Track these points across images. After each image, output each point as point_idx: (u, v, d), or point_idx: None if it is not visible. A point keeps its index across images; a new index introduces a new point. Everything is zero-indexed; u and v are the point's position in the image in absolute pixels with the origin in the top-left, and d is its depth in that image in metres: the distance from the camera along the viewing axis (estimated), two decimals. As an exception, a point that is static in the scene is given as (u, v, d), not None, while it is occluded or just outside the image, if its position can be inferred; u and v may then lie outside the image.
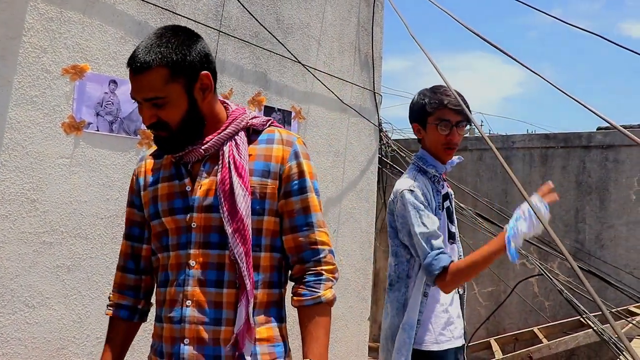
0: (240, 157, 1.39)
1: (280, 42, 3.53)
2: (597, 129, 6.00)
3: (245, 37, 3.36)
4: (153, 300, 1.55)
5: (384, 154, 5.81)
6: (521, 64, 2.21)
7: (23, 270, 2.43)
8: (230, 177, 1.37)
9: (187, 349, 1.36)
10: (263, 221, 1.42)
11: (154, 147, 1.49)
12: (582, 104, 1.94)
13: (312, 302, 1.42)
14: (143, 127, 2.81)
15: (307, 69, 3.71)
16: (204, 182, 1.40)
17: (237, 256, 1.36)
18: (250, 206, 1.38)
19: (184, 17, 2.99)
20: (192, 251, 1.38)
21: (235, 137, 1.42)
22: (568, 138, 5.85)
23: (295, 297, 1.44)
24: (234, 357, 1.36)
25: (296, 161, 1.44)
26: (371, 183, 4.35)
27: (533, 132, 6.44)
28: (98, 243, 2.66)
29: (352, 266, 4.15)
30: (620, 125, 6.26)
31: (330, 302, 1.44)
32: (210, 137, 1.40)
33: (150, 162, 1.51)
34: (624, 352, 3.68)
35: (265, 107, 3.50)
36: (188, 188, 1.40)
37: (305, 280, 1.43)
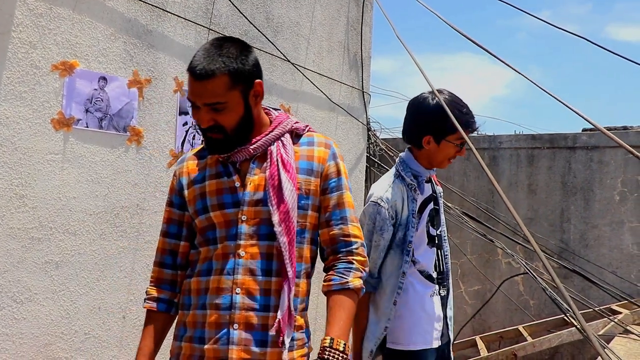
0: (288, 156, 1.54)
1: (270, 41, 3.55)
2: (583, 130, 6.08)
3: (235, 35, 3.38)
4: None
5: (372, 153, 5.84)
6: (506, 64, 2.25)
7: (11, 266, 2.43)
8: (279, 172, 1.51)
9: (236, 334, 1.47)
10: (307, 216, 1.57)
11: (192, 150, 1.65)
12: (566, 105, 1.98)
13: (340, 287, 1.54)
14: (132, 123, 2.82)
15: (296, 68, 3.74)
16: (254, 179, 1.53)
17: (281, 245, 1.49)
18: (296, 200, 1.52)
19: (174, 14, 3.00)
20: (242, 242, 1.51)
21: (282, 138, 1.56)
22: (554, 139, 5.93)
23: (325, 283, 1.56)
24: (278, 342, 1.48)
25: (334, 161, 1.61)
26: (359, 182, 4.38)
27: (520, 133, 6.50)
28: (87, 239, 2.67)
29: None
30: (605, 127, 6.36)
31: (358, 290, 1.56)
32: (258, 138, 1.54)
33: (192, 162, 1.63)
34: (605, 350, 3.74)
35: (255, 105, 3.51)
36: (237, 184, 1.53)
37: (337, 267, 1.57)
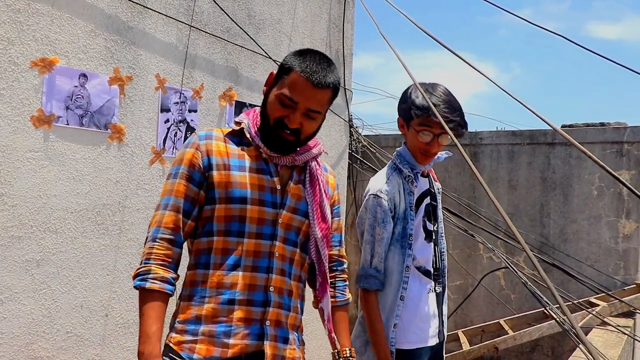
0: (322, 176, 1.69)
1: (252, 38, 3.55)
2: (562, 127, 6.17)
3: (216, 32, 3.37)
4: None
5: (354, 149, 5.87)
6: (468, 63, 2.27)
7: (-9, 265, 2.41)
8: (321, 190, 1.65)
9: (269, 330, 1.54)
10: None
11: (218, 130, 1.62)
12: (523, 104, 1.99)
13: (344, 302, 1.80)
14: (114, 121, 2.80)
15: (278, 65, 3.74)
16: (294, 187, 1.62)
17: (322, 257, 1.66)
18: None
19: (156, 11, 2.98)
20: (277, 243, 1.57)
21: (317, 157, 1.70)
22: (534, 135, 6.01)
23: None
24: (294, 340, 1.62)
25: (338, 190, 1.80)
26: (341, 179, 4.40)
27: (501, 129, 6.58)
28: (68, 237, 2.65)
29: (323, 260, 4.20)
30: (582, 124, 6.42)
31: (350, 303, 1.83)
32: (300, 150, 1.63)
33: (223, 145, 1.59)
34: (583, 341, 3.81)
35: (237, 102, 3.51)
36: (278, 187, 1.59)
37: (337, 285, 1.79)
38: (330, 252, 1.77)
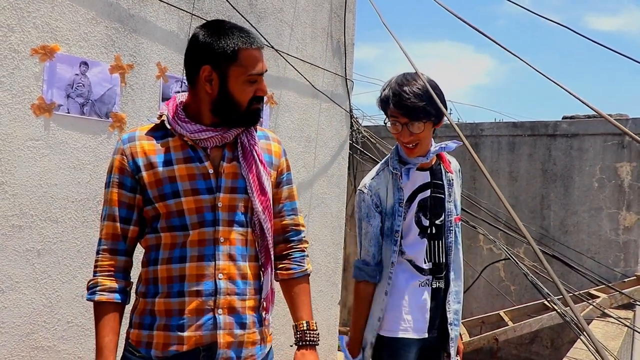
0: (258, 147, 1.60)
1: (253, 27, 3.52)
2: (563, 118, 6.15)
3: (218, 20, 3.33)
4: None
5: (354, 140, 5.85)
6: (511, 52, 2.25)
7: (-9, 254, 2.39)
8: (256, 162, 1.57)
9: (221, 318, 1.51)
10: None
11: (141, 128, 1.59)
12: (571, 93, 1.98)
13: (301, 274, 1.72)
14: (115, 109, 2.78)
15: (279, 54, 3.71)
16: (228, 166, 1.55)
17: (265, 231, 1.58)
18: (271, 190, 1.63)
19: (156, -1, 2.95)
20: (220, 228, 1.52)
21: (249, 129, 1.60)
22: (535, 126, 5.99)
23: (284, 272, 1.71)
24: (254, 323, 1.58)
25: (285, 157, 1.72)
26: (342, 169, 4.38)
27: (501, 121, 6.56)
28: (69, 227, 2.63)
29: (323, 251, 4.19)
30: (584, 115, 6.39)
31: (310, 273, 1.76)
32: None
33: (148, 143, 1.55)
34: (584, 333, 3.81)
35: (238, 91, 3.48)
36: (210, 171, 1.53)
37: (292, 256, 1.72)
38: (284, 222, 1.72)
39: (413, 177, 2.07)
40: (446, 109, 2.03)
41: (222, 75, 1.50)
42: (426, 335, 2.10)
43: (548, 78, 2.07)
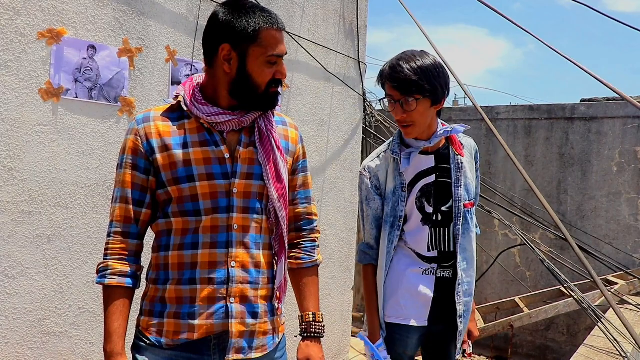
0: (275, 133, 1.56)
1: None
2: (581, 101, 6.02)
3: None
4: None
5: (368, 124, 5.78)
6: (536, 37, 2.18)
7: (2, 240, 2.38)
8: (274, 149, 1.53)
9: (234, 307, 1.48)
10: None
11: (156, 109, 1.53)
12: (591, 74, 1.91)
13: (311, 264, 1.69)
14: (123, 94, 2.74)
15: (291, 37, 3.65)
16: (244, 151, 1.51)
17: (280, 219, 1.54)
18: (288, 177, 1.59)
19: (165, -20, 2.89)
20: (234, 215, 1.48)
21: (267, 113, 1.56)
22: (552, 109, 5.87)
23: (293, 261, 1.68)
24: (266, 312, 1.55)
25: (302, 144, 1.68)
26: (355, 153, 4.33)
27: (517, 104, 6.44)
28: (78, 212, 2.61)
29: (336, 236, 4.15)
30: (603, 98, 6.25)
31: (320, 264, 1.72)
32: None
33: (163, 124, 1.50)
34: (602, 320, 3.75)
35: (249, 75, 3.43)
36: (227, 155, 1.49)
37: (303, 246, 1.69)
38: (297, 210, 1.67)
39: (415, 161, 2.00)
40: (448, 91, 1.95)
41: (241, 55, 1.46)
42: (425, 324, 2.03)
43: (569, 60, 1.99)
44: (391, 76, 1.90)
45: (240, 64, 1.46)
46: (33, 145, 2.45)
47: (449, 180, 2.02)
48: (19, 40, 2.38)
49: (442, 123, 2.07)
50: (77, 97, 2.57)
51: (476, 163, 2.15)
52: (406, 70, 1.87)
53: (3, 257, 2.39)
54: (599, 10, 2.47)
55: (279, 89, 1.53)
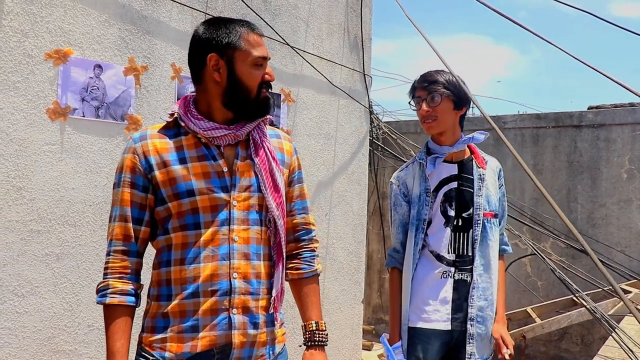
0: (270, 144, 1.59)
1: (268, 24, 3.48)
2: (588, 108, 5.99)
3: (232, 19, 3.30)
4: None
5: (375, 136, 5.78)
6: (549, 41, 2.18)
7: (11, 259, 2.40)
8: (269, 160, 1.56)
9: (236, 318, 1.49)
10: None
11: (153, 127, 1.56)
12: (608, 76, 1.93)
13: (311, 274, 1.70)
14: (130, 112, 2.76)
15: (295, 51, 3.67)
16: (242, 164, 1.54)
17: (279, 228, 1.56)
18: (285, 187, 1.61)
19: (169, -1, 2.93)
20: (235, 227, 1.50)
21: (260, 125, 1.60)
22: (559, 117, 5.84)
23: (293, 271, 1.70)
24: (266, 322, 1.56)
25: (297, 155, 1.71)
26: (362, 165, 4.33)
27: (524, 113, 6.41)
28: (87, 230, 2.63)
29: (345, 249, 4.14)
30: (611, 105, 6.21)
31: (320, 274, 1.75)
32: (241, 123, 1.56)
33: (160, 141, 1.52)
34: (616, 330, 3.70)
35: (254, 90, 3.45)
36: (225, 169, 1.51)
37: (302, 256, 1.71)
38: (295, 221, 1.70)
39: (439, 167, 2.18)
40: (468, 104, 2.22)
41: (229, 62, 1.50)
42: (449, 327, 2.11)
43: (581, 61, 2.01)
44: (420, 80, 2.18)
45: (230, 71, 1.50)
46: (41, 165, 2.47)
47: (471, 190, 2.18)
48: (27, 62, 2.41)
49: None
50: (84, 116, 2.59)
51: (499, 179, 2.31)
52: (434, 74, 2.18)
53: (12, 275, 2.41)
54: (597, 16, 2.47)
55: (270, 93, 1.58)
